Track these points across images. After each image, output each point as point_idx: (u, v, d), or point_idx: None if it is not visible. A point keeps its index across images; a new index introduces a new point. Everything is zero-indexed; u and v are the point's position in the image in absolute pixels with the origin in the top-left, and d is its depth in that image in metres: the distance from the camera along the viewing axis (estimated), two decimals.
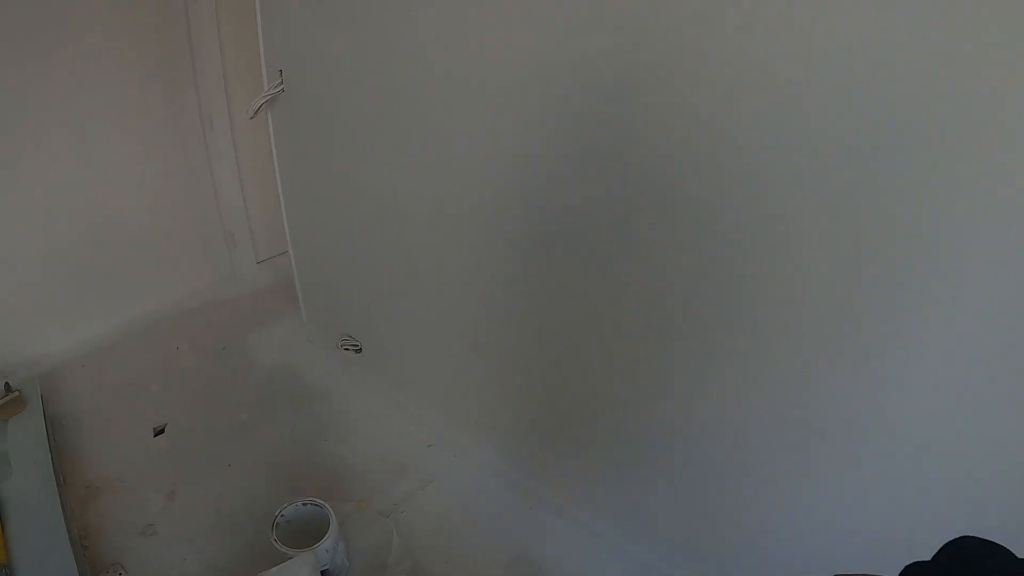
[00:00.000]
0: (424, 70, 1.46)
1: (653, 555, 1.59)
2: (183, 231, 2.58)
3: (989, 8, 0.78)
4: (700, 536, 1.49)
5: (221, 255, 2.75)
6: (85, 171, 2.20)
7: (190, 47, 2.31)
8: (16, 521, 1.54)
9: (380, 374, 2.18)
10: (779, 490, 1.29)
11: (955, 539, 0.79)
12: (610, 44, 1.13)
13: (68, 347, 2.32)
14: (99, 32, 2.07)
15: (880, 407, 1.07)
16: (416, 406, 2.07)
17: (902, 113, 0.88)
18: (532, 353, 1.62)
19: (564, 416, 1.65)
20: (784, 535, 1.32)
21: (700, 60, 1.04)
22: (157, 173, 2.41)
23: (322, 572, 1.41)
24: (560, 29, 1.19)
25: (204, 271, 2.72)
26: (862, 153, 0.93)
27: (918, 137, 0.88)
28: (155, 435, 2.00)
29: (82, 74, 2.08)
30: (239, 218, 2.70)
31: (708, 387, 1.30)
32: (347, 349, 2.17)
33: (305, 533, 1.48)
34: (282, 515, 1.49)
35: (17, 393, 1.90)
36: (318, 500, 1.51)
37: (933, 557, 0.80)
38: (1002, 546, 0.74)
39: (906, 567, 0.81)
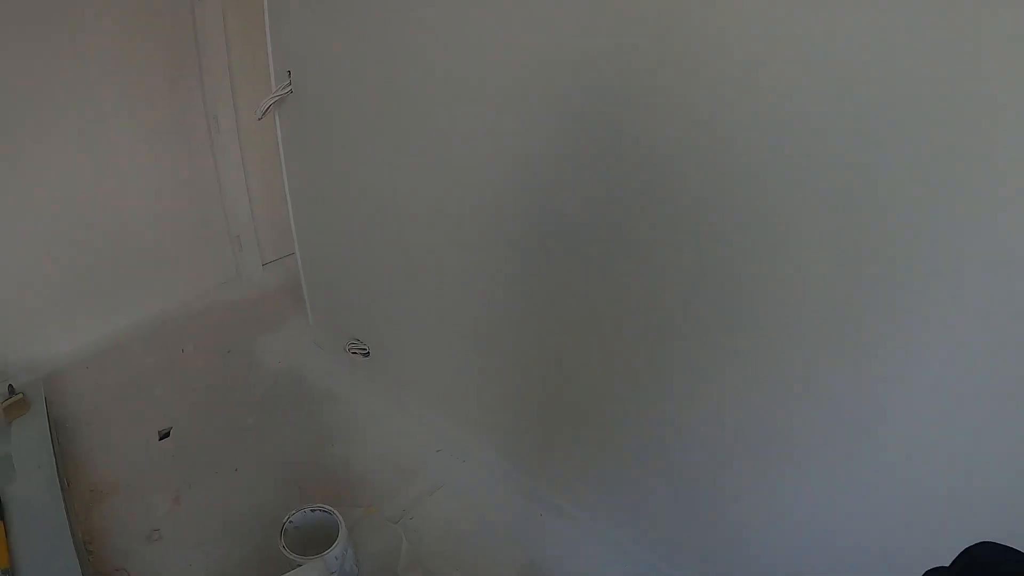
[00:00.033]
0: (433, 71, 1.45)
1: (656, 557, 1.59)
2: (188, 232, 2.55)
3: (990, 7, 0.77)
4: (706, 539, 1.48)
5: (226, 256, 2.73)
6: (89, 171, 2.18)
7: (196, 46, 2.29)
8: (20, 525, 1.52)
9: (388, 377, 2.16)
10: (783, 490, 1.28)
11: (972, 545, 0.79)
12: (610, 44, 1.12)
13: (72, 349, 2.30)
14: (103, 30, 2.05)
15: (880, 407, 1.06)
16: (424, 410, 2.05)
17: (902, 112, 0.87)
18: (542, 358, 1.60)
19: (573, 419, 1.63)
20: (790, 536, 1.32)
21: (700, 59, 1.03)
22: (162, 173, 2.39)
23: None
24: (561, 29, 1.18)
25: (209, 272, 2.70)
26: (862, 153, 0.93)
27: (918, 136, 0.87)
28: (160, 439, 1.98)
29: (86, 72, 2.05)
30: (245, 219, 2.68)
31: (709, 386, 1.30)
32: (355, 353, 2.14)
33: (314, 540, 1.46)
34: (291, 521, 1.47)
35: (21, 395, 1.87)
36: (327, 506, 1.49)
37: (952, 562, 0.79)
38: (1020, 551, 0.73)
39: (926, 572, 0.81)
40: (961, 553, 0.77)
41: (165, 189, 2.42)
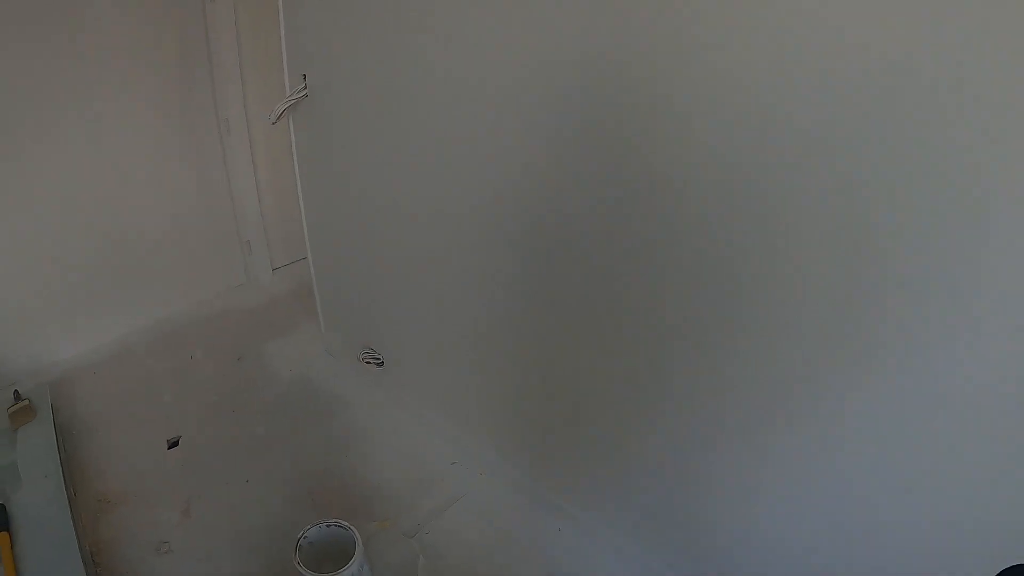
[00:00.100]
0: (455, 76, 1.43)
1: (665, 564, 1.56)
2: (198, 235, 2.52)
3: (990, 7, 0.76)
4: (718, 546, 1.45)
5: (236, 261, 2.70)
6: (98, 173, 2.16)
7: (207, 47, 2.27)
8: (25, 535, 1.49)
9: (402, 387, 2.12)
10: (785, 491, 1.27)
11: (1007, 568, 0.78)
12: (610, 44, 1.12)
13: (78, 354, 2.27)
14: (108, 31, 2.02)
15: (881, 406, 1.05)
16: (440, 421, 2.01)
17: (902, 112, 0.87)
18: (560, 366, 1.58)
19: (591, 432, 1.59)
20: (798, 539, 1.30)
21: (700, 59, 1.03)
22: (172, 176, 2.37)
23: None
24: (562, 29, 1.18)
25: (218, 277, 2.67)
26: (862, 152, 0.92)
27: (918, 136, 0.87)
28: (169, 447, 1.94)
29: (96, 73, 2.03)
30: (255, 223, 2.65)
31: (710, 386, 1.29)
32: (368, 362, 2.10)
33: (328, 555, 1.42)
34: (305, 537, 1.42)
35: (27, 401, 1.84)
36: (343, 522, 1.45)
37: None
38: None
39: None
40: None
41: (174, 192, 2.39)
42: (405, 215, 1.76)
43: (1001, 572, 0.79)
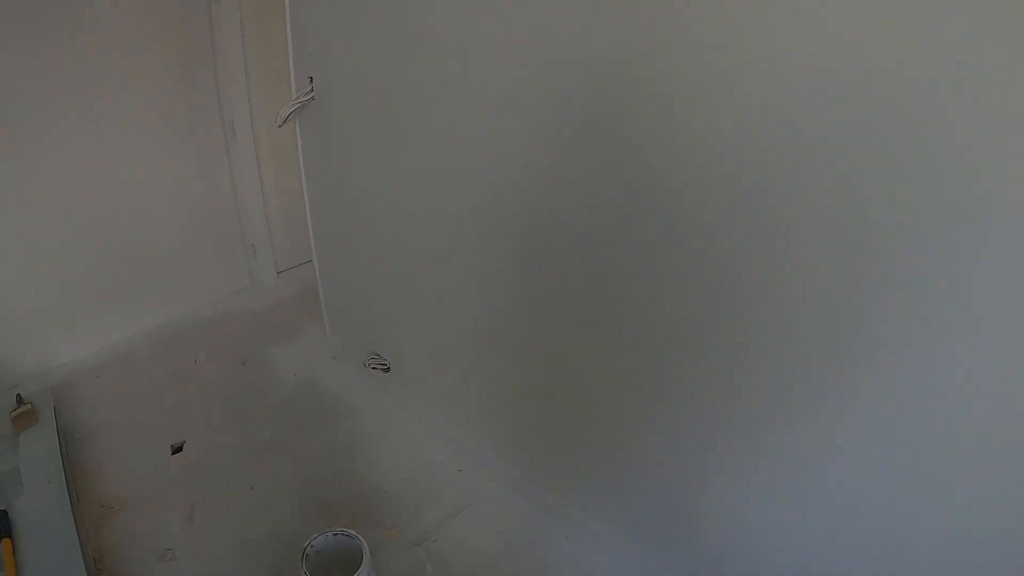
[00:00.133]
0: (456, 76, 1.42)
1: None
2: (202, 239, 2.51)
3: (990, 7, 0.76)
4: (718, 546, 1.44)
5: (241, 264, 2.68)
6: (99, 174, 2.14)
7: (212, 48, 2.25)
8: (28, 541, 1.48)
9: (409, 393, 2.10)
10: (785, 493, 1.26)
11: None
12: (610, 44, 1.12)
13: (81, 358, 2.25)
14: (112, 32, 2.01)
15: (881, 406, 1.05)
16: (447, 428, 1.99)
17: (902, 112, 0.87)
18: (572, 373, 1.56)
19: (592, 432, 1.58)
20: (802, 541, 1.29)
21: (701, 60, 1.03)
22: (176, 179, 2.35)
23: None
24: (564, 29, 1.18)
25: (223, 280, 2.65)
26: (862, 152, 0.92)
27: (918, 136, 0.86)
28: (173, 452, 1.92)
29: (96, 73, 2.01)
30: (260, 226, 2.63)
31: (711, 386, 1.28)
32: (375, 368, 2.09)
33: (335, 564, 1.40)
34: (312, 546, 1.40)
35: (29, 405, 1.83)
36: (349, 530, 1.43)
37: None
38: None
39: None
40: None
41: (178, 194, 2.38)
42: (406, 215, 1.75)
43: None
